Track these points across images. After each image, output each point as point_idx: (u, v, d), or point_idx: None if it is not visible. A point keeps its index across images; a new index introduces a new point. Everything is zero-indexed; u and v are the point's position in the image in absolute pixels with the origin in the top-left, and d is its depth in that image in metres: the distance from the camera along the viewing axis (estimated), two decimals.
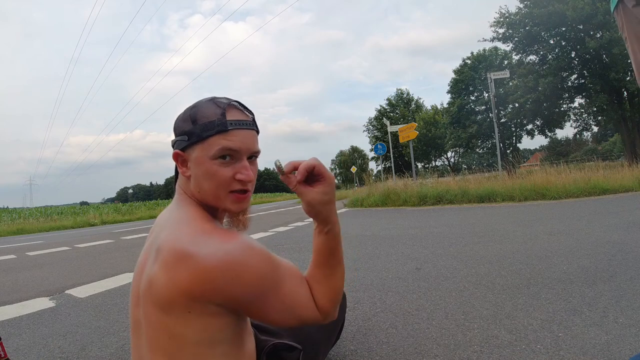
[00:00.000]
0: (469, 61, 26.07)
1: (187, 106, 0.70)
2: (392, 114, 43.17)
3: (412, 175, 10.71)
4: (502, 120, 21.93)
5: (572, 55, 16.65)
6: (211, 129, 0.63)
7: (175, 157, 0.68)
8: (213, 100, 0.67)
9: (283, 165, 0.66)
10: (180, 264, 0.57)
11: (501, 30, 17.46)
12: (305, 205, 0.68)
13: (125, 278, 2.95)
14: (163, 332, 0.60)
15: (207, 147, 0.64)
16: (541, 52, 17.32)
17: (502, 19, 17.26)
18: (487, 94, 20.94)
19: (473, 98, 25.80)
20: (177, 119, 0.69)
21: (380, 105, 45.87)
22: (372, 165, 48.79)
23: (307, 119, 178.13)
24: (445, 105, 29.45)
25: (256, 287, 0.60)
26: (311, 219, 0.72)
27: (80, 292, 2.60)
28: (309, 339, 0.90)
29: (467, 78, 25.43)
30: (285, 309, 0.64)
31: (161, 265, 0.59)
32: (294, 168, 0.66)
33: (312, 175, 0.67)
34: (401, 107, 44.22)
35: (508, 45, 18.58)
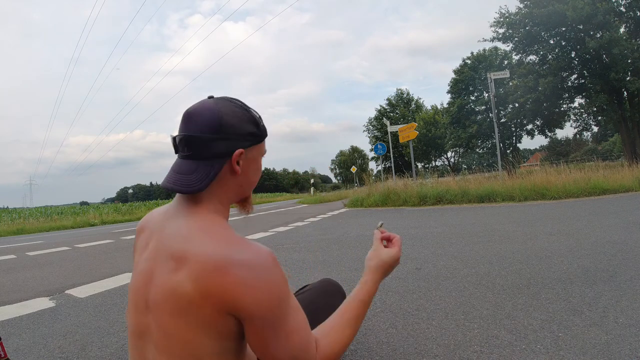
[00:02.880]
0: (469, 61, 26.06)
1: (222, 103, 0.70)
2: (392, 114, 43.19)
3: (412, 175, 10.70)
4: (502, 120, 21.93)
5: (572, 55, 16.66)
6: (265, 132, 0.75)
7: (239, 155, 0.69)
8: (244, 105, 0.74)
9: (381, 227, 0.92)
10: (215, 276, 0.58)
11: (501, 30, 17.47)
12: (374, 257, 0.85)
13: (125, 278, 2.95)
14: (178, 341, 0.61)
15: (261, 147, 0.74)
16: (541, 52, 17.32)
17: (502, 19, 17.26)
18: (487, 94, 20.93)
19: (473, 98, 25.78)
20: (232, 117, 0.68)
21: (380, 105, 45.94)
22: (372, 165, 48.88)
23: (307, 119, 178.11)
24: (445, 105, 29.45)
25: (275, 307, 0.61)
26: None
27: (80, 292, 2.60)
28: None
29: (467, 78, 25.42)
30: (286, 341, 0.63)
31: (190, 276, 0.59)
32: (389, 238, 0.90)
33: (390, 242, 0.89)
34: (401, 107, 44.24)
35: (508, 45, 18.62)
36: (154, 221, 0.73)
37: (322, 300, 1.05)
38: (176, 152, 0.72)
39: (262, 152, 0.76)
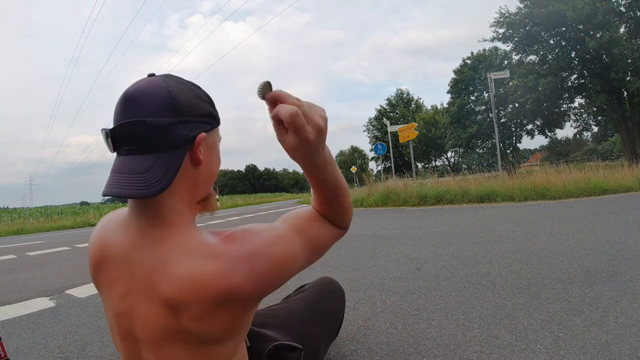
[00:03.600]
0: (469, 61, 26.05)
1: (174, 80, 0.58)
2: (392, 114, 43.17)
3: (412, 175, 10.70)
4: (502, 120, 21.92)
5: (572, 55, 16.66)
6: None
7: (202, 141, 0.57)
8: (193, 83, 0.62)
9: (261, 89, 0.58)
10: (222, 297, 0.54)
11: (501, 30, 17.47)
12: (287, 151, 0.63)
13: None
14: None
15: (217, 131, 0.64)
16: (541, 52, 17.32)
17: (502, 19, 17.26)
18: (487, 94, 20.93)
19: (473, 98, 25.78)
20: (188, 95, 0.57)
21: (380, 105, 45.92)
22: (372, 165, 48.83)
23: None
24: (445, 105, 29.44)
25: (292, 266, 0.62)
26: None
27: (80, 292, 2.60)
28: (309, 338, 0.90)
29: (467, 78, 25.42)
30: (315, 250, 0.67)
31: (192, 316, 0.54)
32: (275, 100, 0.59)
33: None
34: (401, 107, 44.22)
35: (508, 45, 18.61)
36: (115, 250, 0.60)
37: (321, 298, 1.05)
38: (115, 150, 0.57)
39: (219, 137, 0.65)
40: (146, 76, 0.58)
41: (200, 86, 0.61)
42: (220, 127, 0.64)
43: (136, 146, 0.54)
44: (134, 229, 0.58)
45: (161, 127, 0.53)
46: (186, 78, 0.61)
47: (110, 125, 0.56)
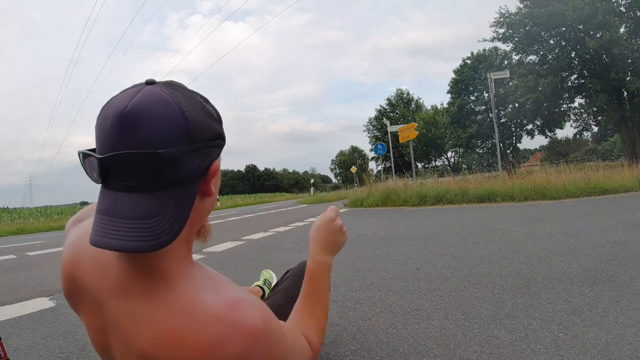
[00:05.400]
0: (469, 61, 26.05)
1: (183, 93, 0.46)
2: (392, 114, 43.21)
3: (412, 175, 10.70)
4: (502, 120, 21.92)
5: (572, 55, 16.65)
6: None
7: (216, 172, 0.48)
8: (198, 94, 0.51)
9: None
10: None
11: (501, 30, 17.46)
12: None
13: None
14: None
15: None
16: (541, 52, 17.32)
17: (502, 19, 17.25)
18: (487, 94, 20.93)
19: (473, 98, 25.78)
20: (198, 113, 0.45)
21: (380, 105, 45.99)
22: (372, 165, 48.95)
23: (307, 119, 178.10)
24: (445, 105, 29.45)
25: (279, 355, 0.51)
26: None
27: None
28: None
29: (467, 78, 25.42)
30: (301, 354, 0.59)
31: None
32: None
33: None
34: (401, 107, 44.25)
35: (508, 45, 18.59)
36: (91, 289, 0.50)
37: (299, 283, 1.04)
38: (95, 180, 0.44)
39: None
40: (143, 83, 0.45)
41: (208, 98, 0.49)
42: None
43: (141, 183, 0.41)
44: (114, 268, 0.47)
45: (175, 160, 0.41)
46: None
47: (93, 146, 0.44)
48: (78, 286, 0.51)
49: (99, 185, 0.45)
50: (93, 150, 0.43)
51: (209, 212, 0.53)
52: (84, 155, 0.44)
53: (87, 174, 0.45)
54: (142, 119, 0.40)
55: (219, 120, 0.49)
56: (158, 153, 0.40)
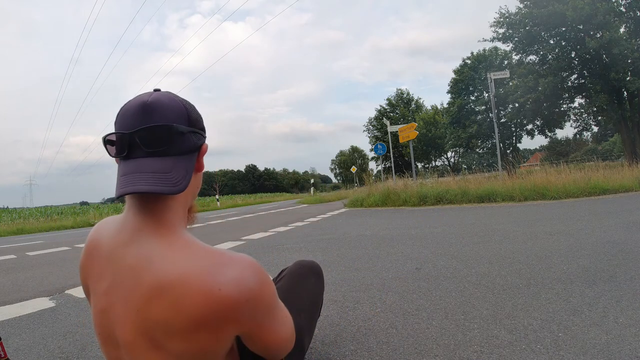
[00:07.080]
0: (469, 61, 26.06)
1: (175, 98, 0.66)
2: (392, 114, 43.24)
3: (412, 175, 10.70)
4: (502, 120, 21.93)
5: (572, 55, 16.65)
6: None
7: (205, 150, 0.67)
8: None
9: None
10: (206, 302, 0.54)
11: (501, 31, 17.46)
12: None
13: None
14: None
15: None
16: (541, 52, 17.31)
17: (502, 19, 17.25)
18: (487, 94, 20.93)
19: (473, 98, 25.78)
20: (193, 109, 0.66)
21: (380, 105, 46.04)
22: (372, 165, 48.99)
23: (307, 119, 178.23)
24: (445, 105, 29.47)
25: (270, 313, 0.63)
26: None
27: (80, 292, 2.60)
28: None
29: (467, 78, 25.42)
30: (280, 334, 0.68)
31: (174, 308, 0.54)
32: None
33: None
34: (401, 107, 44.28)
35: (508, 45, 18.59)
36: (105, 246, 0.63)
37: (297, 285, 1.04)
38: (120, 154, 0.60)
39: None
40: (152, 91, 0.64)
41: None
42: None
43: (160, 148, 0.59)
44: (129, 225, 0.61)
45: (182, 134, 0.61)
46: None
47: (109, 132, 0.62)
48: (95, 251, 0.65)
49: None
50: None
51: (198, 189, 0.70)
52: (106, 142, 0.61)
53: (109, 154, 0.62)
54: (159, 107, 0.59)
55: (201, 118, 0.69)
56: (172, 126, 0.59)
